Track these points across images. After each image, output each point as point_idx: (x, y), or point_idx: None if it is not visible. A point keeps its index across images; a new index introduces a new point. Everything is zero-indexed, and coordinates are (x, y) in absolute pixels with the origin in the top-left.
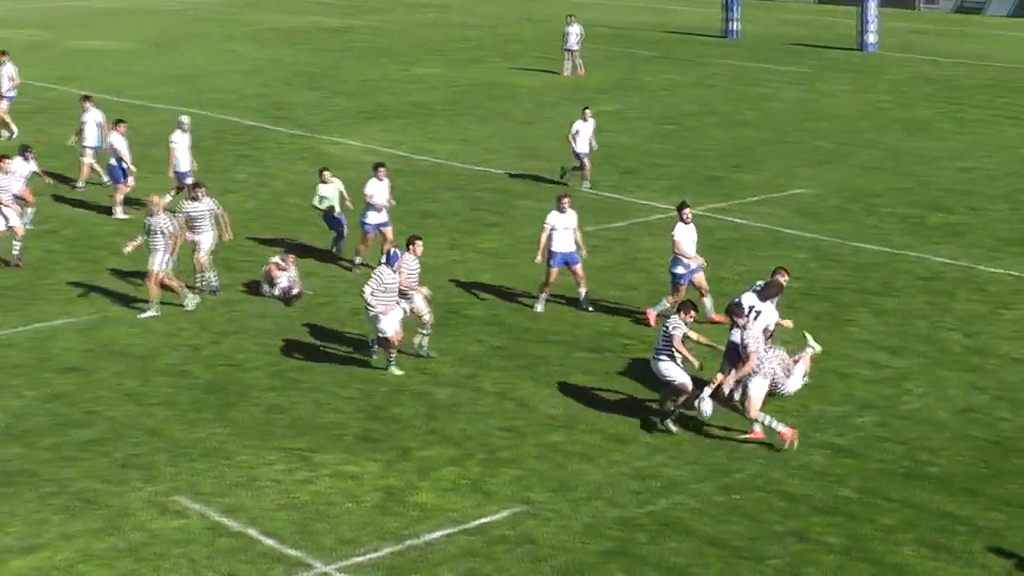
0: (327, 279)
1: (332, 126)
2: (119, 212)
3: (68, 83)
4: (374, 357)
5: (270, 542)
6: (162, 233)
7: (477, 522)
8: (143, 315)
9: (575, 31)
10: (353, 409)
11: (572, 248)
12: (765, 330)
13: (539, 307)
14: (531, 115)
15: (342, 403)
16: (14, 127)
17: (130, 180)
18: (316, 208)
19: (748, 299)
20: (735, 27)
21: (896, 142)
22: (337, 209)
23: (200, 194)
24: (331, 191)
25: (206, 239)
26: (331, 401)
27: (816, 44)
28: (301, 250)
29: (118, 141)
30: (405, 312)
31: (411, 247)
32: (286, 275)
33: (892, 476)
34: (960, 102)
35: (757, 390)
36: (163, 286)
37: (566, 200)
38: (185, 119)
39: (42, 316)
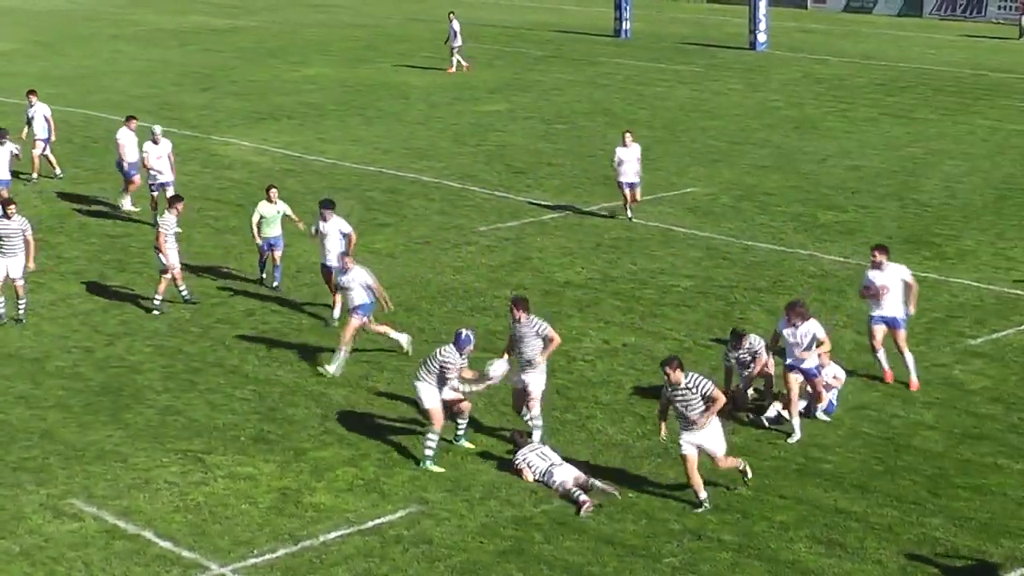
0: (220, 277)
1: (223, 127)
2: (127, 204)
3: None
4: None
5: (166, 544)
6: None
7: (373, 522)
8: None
9: (456, 28)
10: (248, 410)
11: None
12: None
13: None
14: (422, 115)
15: (237, 404)
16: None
17: (135, 177)
18: (252, 231)
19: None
20: (626, 26)
21: (787, 141)
22: (276, 232)
23: (12, 211)
24: (272, 212)
25: (15, 264)
26: (226, 402)
27: (707, 43)
28: (193, 253)
29: (124, 137)
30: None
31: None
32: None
33: (785, 473)
34: (849, 101)
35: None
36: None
37: None
38: (157, 128)
39: None
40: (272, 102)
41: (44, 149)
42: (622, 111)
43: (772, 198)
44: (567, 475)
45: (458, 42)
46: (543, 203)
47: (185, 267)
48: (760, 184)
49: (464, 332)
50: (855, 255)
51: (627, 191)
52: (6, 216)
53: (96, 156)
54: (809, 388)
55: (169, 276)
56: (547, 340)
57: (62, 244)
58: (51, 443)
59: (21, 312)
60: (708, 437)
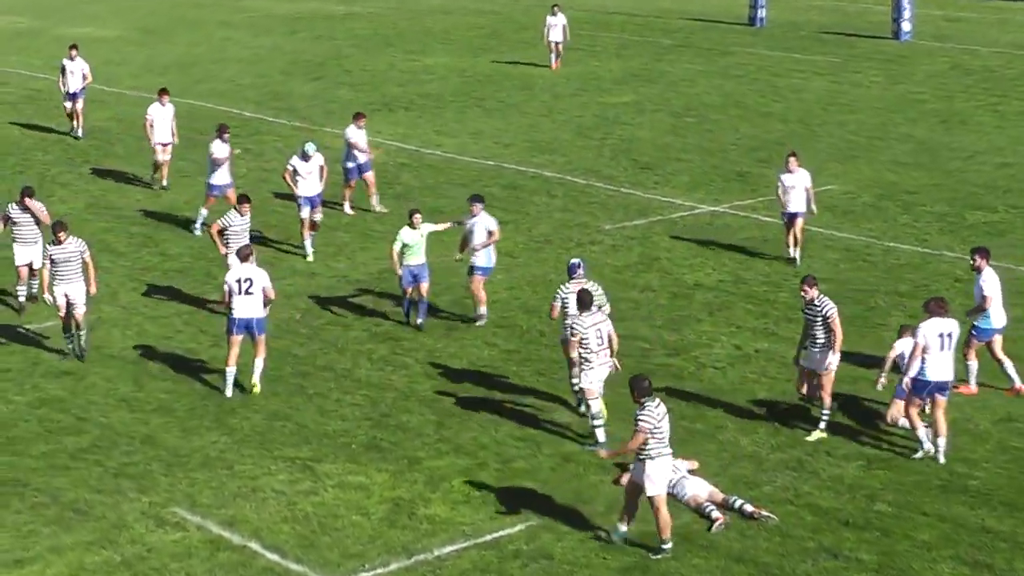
0: (330, 279)
1: (335, 118)
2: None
3: (56, 72)
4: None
5: (273, 556)
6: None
7: (490, 536)
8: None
9: (560, 22)
10: (359, 416)
11: None
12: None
13: None
14: (545, 107)
15: (347, 410)
16: (165, 181)
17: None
18: (393, 260)
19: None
20: (761, 14)
21: (932, 136)
22: (421, 260)
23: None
24: (416, 238)
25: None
26: (336, 408)
27: (847, 32)
28: (298, 247)
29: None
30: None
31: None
32: None
33: (929, 489)
34: (1000, 93)
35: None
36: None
37: None
38: (310, 146)
39: (32, 317)
40: (387, 92)
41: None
42: (755, 104)
43: (915, 197)
44: (699, 488)
45: (557, 36)
46: (672, 200)
47: (294, 262)
48: (902, 182)
49: (574, 261)
50: (1006, 258)
51: (796, 227)
52: (58, 242)
53: (201, 149)
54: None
55: None
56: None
57: (166, 241)
58: (153, 448)
59: (83, 343)
60: None
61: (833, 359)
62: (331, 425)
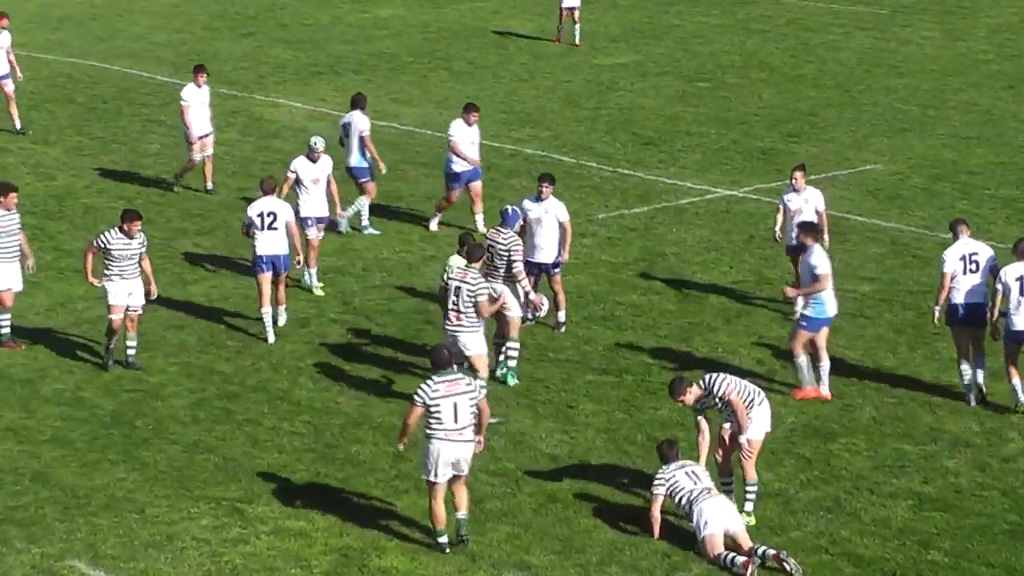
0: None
1: (270, 83)
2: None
3: None
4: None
5: None
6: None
7: None
8: None
9: None
10: (299, 448)
11: None
12: None
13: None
14: (525, 70)
15: (285, 440)
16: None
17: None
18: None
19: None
20: None
21: (998, 104)
22: None
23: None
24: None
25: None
26: (271, 438)
27: None
28: (226, 242)
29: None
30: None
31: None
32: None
33: (994, 535)
34: None
35: None
36: None
37: None
38: (319, 142)
39: None
40: (332, 52)
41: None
42: (782, 65)
43: (977, 178)
44: (721, 521)
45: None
46: (680, 183)
47: (221, 263)
48: (962, 160)
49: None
50: None
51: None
52: (128, 235)
53: (106, 120)
54: None
55: None
56: None
57: (62, 233)
58: (46, 488)
59: (131, 352)
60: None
61: (742, 437)
62: (265, 459)
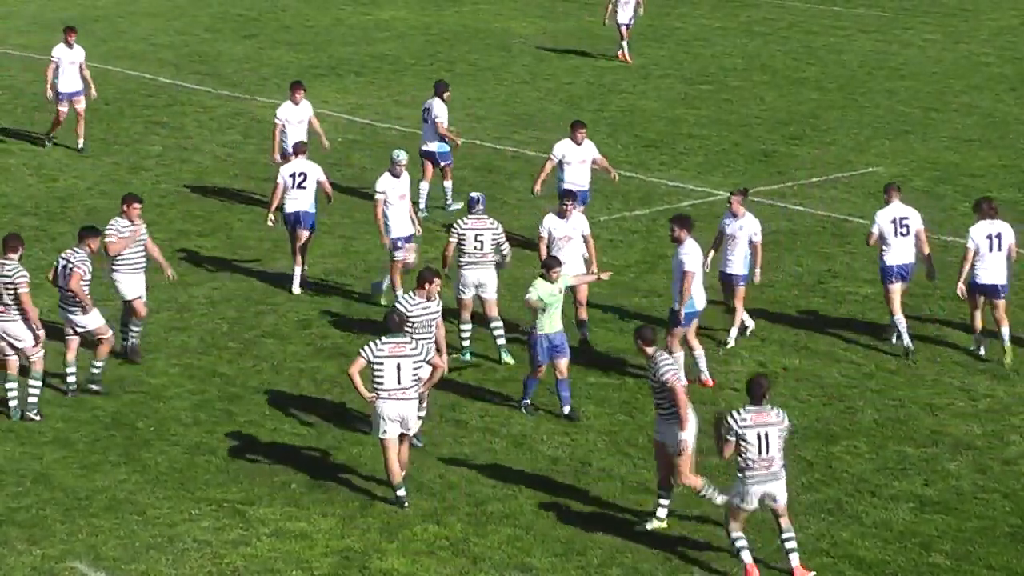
0: (268, 280)
1: (271, 85)
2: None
3: None
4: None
5: None
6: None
7: None
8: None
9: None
10: (301, 449)
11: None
12: None
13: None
14: (527, 72)
15: (287, 441)
16: None
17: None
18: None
19: None
20: None
21: (1000, 107)
22: (559, 326)
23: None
24: (554, 292)
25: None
26: (272, 439)
27: None
28: (228, 244)
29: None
30: None
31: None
32: None
33: (995, 537)
34: None
35: None
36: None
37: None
38: (402, 155)
39: None
40: (334, 54)
41: None
42: (785, 68)
43: (980, 181)
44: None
45: (626, 17)
46: (682, 185)
47: (223, 264)
48: (965, 163)
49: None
50: None
51: (737, 296)
52: (130, 220)
53: (107, 121)
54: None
55: None
56: None
57: (64, 235)
58: (47, 489)
59: (135, 341)
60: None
61: (683, 435)
62: (266, 461)
